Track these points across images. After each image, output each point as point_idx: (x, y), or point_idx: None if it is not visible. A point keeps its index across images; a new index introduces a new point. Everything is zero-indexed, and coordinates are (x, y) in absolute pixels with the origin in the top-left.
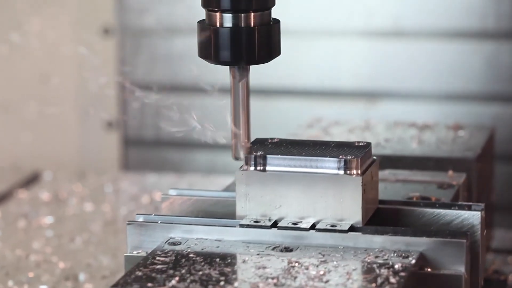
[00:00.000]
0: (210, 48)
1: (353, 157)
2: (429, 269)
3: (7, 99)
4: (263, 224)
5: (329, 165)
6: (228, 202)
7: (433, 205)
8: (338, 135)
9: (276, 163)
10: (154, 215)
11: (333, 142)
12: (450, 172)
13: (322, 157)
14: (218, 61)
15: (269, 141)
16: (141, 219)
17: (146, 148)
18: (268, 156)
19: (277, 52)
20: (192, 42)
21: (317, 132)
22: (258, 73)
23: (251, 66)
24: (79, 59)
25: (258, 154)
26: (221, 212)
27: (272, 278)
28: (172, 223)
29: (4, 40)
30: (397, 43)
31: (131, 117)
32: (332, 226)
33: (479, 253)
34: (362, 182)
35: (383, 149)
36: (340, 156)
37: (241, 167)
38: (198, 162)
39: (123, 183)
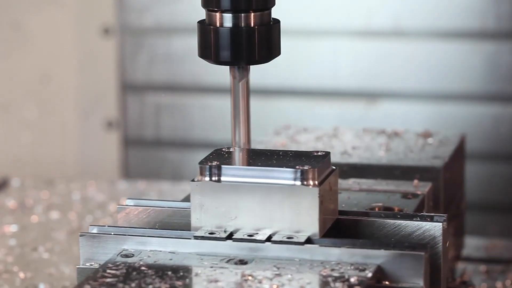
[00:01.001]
0: (210, 48)
1: (310, 167)
2: (387, 282)
3: (7, 99)
4: (218, 235)
5: (286, 176)
6: (185, 213)
7: (394, 216)
8: (305, 143)
9: (231, 174)
10: (108, 226)
11: (291, 151)
12: (415, 181)
13: (278, 167)
14: (218, 61)
15: (226, 150)
16: (95, 230)
17: (146, 148)
18: (223, 166)
19: (277, 52)
20: (192, 42)
21: (284, 139)
22: (258, 73)
23: (251, 66)
24: (79, 59)
25: (213, 164)
26: (178, 223)
27: None
28: (125, 235)
29: (4, 40)
30: (397, 43)
31: (131, 117)
32: (288, 238)
33: (441, 265)
34: (319, 193)
35: (349, 157)
36: (297, 167)
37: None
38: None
39: (91, 191)
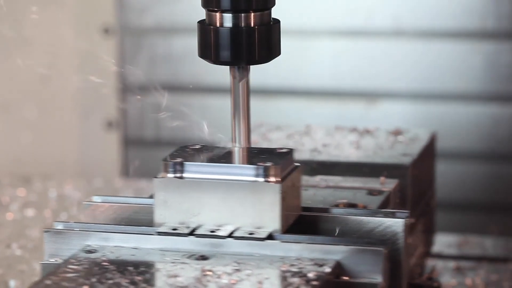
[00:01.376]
0: (210, 48)
1: (272, 164)
2: (346, 278)
3: (7, 99)
4: (181, 231)
5: (248, 172)
6: (151, 209)
7: (356, 212)
8: (276, 141)
9: (194, 170)
10: (74, 222)
11: (255, 148)
12: (382, 178)
13: (241, 164)
14: (218, 61)
15: (191, 147)
16: (60, 226)
17: (146, 148)
18: (185, 163)
19: (277, 52)
20: (192, 42)
21: (256, 137)
22: (258, 73)
23: (251, 66)
24: (79, 59)
25: (176, 161)
26: (144, 219)
27: (182, 287)
28: (89, 231)
29: (4, 40)
30: (397, 43)
31: (131, 117)
32: (250, 234)
33: (401, 261)
34: (281, 189)
35: (319, 154)
36: (259, 163)
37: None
38: None
39: (68, 188)
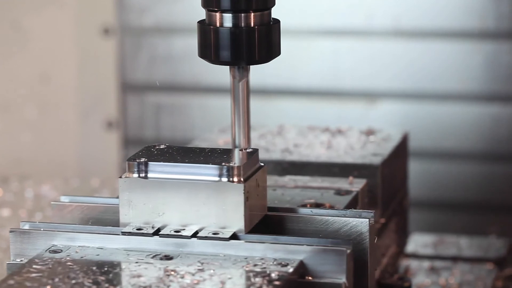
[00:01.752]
0: (210, 48)
1: (235, 163)
2: (310, 278)
3: (7, 99)
4: (146, 231)
5: (211, 172)
6: (118, 209)
7: (322, 212)
8: None
9: (158, 170)
10: (39, 222)
11: (220, 149)
12: (350, 178)
13: (204, 164)
14: (218, 61)
15: (156, 147)
16: (26, 226)
17: None
18: (150, 163)
19: (277, 52)
20: (192, 42)
21: (228, 137)
22: (258, 73)
23: (251, 66)
24: (79, 59)
25: (140, 161)
26: (110, 219)
27: (145, 287)
28: (55, 231)
29: (4, 40)
30: (397, 43)
31: (131, 117)
32: (214, 234)
33: (368, 261)
34: (244, 189)
35: (290, 154)
36: (223, 163)
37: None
38: None
39: (44, 189)
